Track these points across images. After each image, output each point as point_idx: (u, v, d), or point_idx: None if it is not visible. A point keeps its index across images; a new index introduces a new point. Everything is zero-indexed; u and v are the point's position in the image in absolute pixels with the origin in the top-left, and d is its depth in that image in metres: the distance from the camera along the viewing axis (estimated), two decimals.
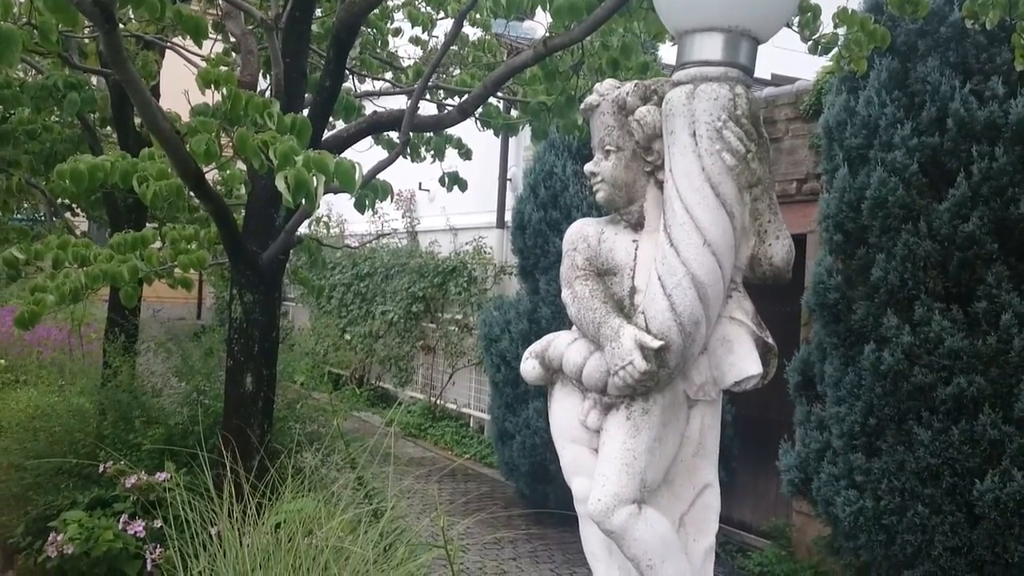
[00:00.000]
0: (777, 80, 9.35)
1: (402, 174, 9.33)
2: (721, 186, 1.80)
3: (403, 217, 12.30)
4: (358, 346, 12.53)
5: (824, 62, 5.74)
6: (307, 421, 4.47)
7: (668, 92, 1.86)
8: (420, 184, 11.52)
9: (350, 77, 6.03)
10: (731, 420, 7.47)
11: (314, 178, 2.77)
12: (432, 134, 5.83)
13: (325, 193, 3.49)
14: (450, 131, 5.94)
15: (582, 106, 2.06)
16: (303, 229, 5.50)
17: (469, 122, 5.62)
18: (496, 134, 5.36)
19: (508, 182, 10.43)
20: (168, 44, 5.21)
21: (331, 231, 13.22)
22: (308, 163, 2.78)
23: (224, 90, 3.20)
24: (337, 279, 13.04)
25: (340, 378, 13.24)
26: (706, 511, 2.02)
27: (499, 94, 5.26)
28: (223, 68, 3.81)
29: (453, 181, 5.65)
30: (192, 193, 3.45)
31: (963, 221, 4.76)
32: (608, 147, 2.00)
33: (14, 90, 5.42)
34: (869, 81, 5.23)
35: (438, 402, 11.19)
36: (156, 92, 5.98)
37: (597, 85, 2.06)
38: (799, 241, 6.43)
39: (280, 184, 2.74)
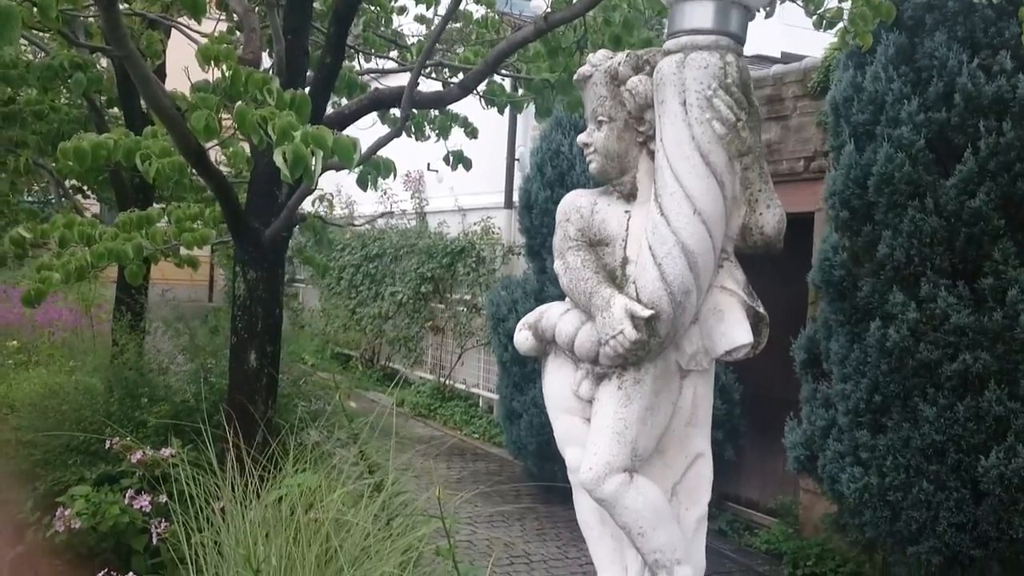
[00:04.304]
0: (787, 58, 9.27)
1: (411, 155, 9.33)
2: (711, 155, 1.80)
3: (412, 198, 12.30)
4: (368, 327, 12.57)
5: (831, 38, 5.69)
6: (312, 398, 4.49)
7: (659, 61, 1.86)
8: (429, 165, 11.50)
9: (356, 56, 6.03)
10: (739, 399, 7.47)
11: (312, 153, 2.78)
12: (437, 113, 5.83)
13: (326, 170, 3.50)
14: (456, 110, 5.94)
15: (575, 77, 2.06)
16: (307, 208, 5.52)
17: (476, 101, 5.63)
18: (500, 112, 5.34)
19: (516, 162, 10.41)
20: (172, 23, 5.21)
21: (340, 212, 13.24)
22: (306, 138, 2.79)
23: (224, 66, 3.20)
24: (347, 260, 13.07)
25: (350, 358, 13.29)
26: (698, 480, 2.03)
27: (503, 71, 5.25)
28: (224, 45, 3.81)
29: (457, 160, 5.64)
30: (194, 170, 3.45)
31: (970, 197, 4.73)
32: (600, 118, 2.00)
33: (20, 70, 5.44)
34: (876, 57, 5.19)
35: (447, 382, 11.23)
36: (162, 72, 5.99)
37: (590, 56, 2.06)
38: (807, 219, 6.42)
39: (278, 159, 2.75)
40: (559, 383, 2.06)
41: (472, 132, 6.00)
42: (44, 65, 5.39)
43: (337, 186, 11.64)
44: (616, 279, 1.94)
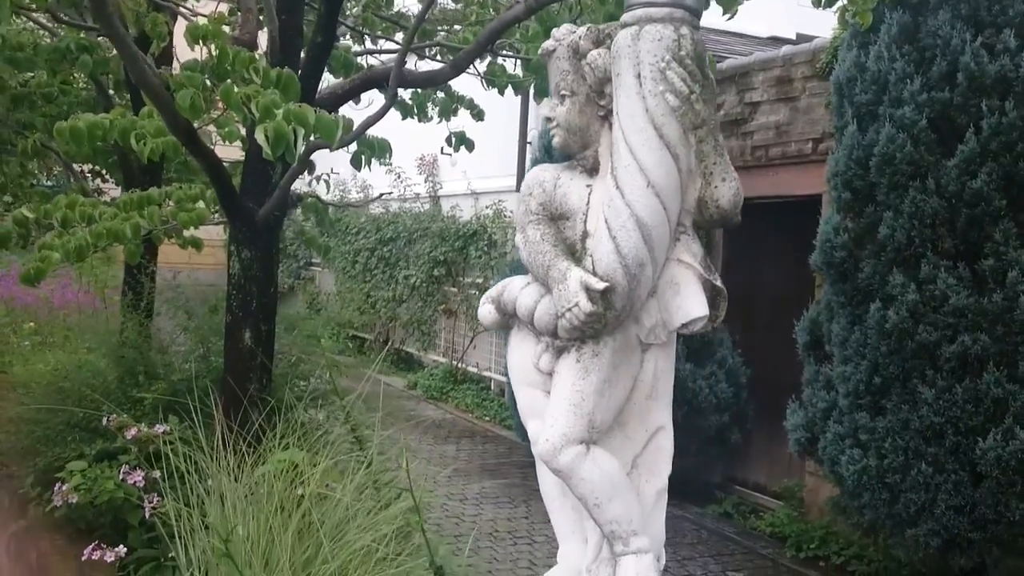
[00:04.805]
0: (802, 40, 9.19)
1: (425, 139, 9.34)
2: (665, 127, 1.80)
3: (426, 182, 12.33)
4: (382, 310, 12.64)
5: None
6: (311, 378, 4.54)
7: (616, 34, 1.86)
8: (442, 148, 11.51)
9: (362, 38, 6.04)
10: (746, 382, 7.47)
11: (294, 131, 2.80)
12: (443, 94, 5.83)
13: (314, 149, 3.53)
14: (463, 92, 5.95)
15: (539, 51, 2.07)
16: (303, 188, 5.55)
17: (486, 84, 5.62)
18: (501, 93, 5.34)
19: (528, 145, 10.39)
20: (174, 6, 5.25)
21: (356, 196, 13.30)
22: (288, 116, 2.81)
23: (212, 46, 3.23)
24: (362, 244, 13.13)
25: (364, 342, 13.37)
26: (659, 453, 2.04)
27: (504, 52, 5.25)
28: (221, 25, 3.83)
29: (460, 141, 5.66)
30: (185, 148, 3.49)
31: (971, 178, 4.69)
32: (563, 92, 2.01)
33: (27, 52, 5.51)
34: (879, 36, 5.14)
35: (459, 365, 11.28)
36: (169, 54, 6.03)
37: (554, 30, 2.06)
38: (814, 201, 6.38)
39: (259, 136, 2.77)
40: (521, 356, 2.08)
41: (479, 114, 6.00)
42: (51, 48, 5.46)
43: (353, 171, 11.68)
44: (576, 253, 1.96)
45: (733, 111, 7.60)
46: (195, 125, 3.55)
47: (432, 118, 5.76)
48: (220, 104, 3.87)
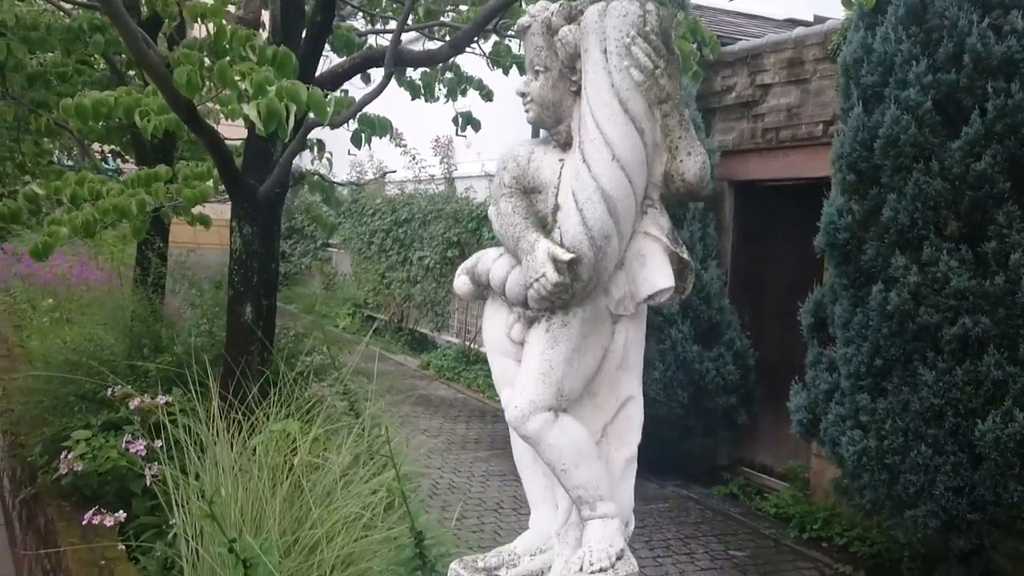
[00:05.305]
0: (819, 22, 9.14)
1: (442, 120, 9.38)
2: (630, 102, 1.83)
3: (441, 163, 12.38)
4: (396, 291, 12.73)
5: None
6: (315, 353, 4.61)
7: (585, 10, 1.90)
8: (456, 130, 11.55)
9: (370, 19, 6.07)
10: (754, 364, 7.48)
11: (286, 107, 2.85)
12: (452, 74, 5.87)
13: (313, 127, 3.58)
14: (472, 73, 5.98)
15: (515, 28, 2.11)
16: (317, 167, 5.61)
17: (488, 64, 5.65)
18: (505, 73, 5.36)
19: None
20: None
21: (373, 176, 13.36)
22: (280, 92, 2.86)
23: (211, 24, 3.28)
24: (377, 225, 13.22)
25: (379, 322, 13.48)
26: (628, 423, 2.08)
27: (510, 32, 5.26)
28: (225, 5, 3.89)
29: (467, 121, 5.69)
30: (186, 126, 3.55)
31: (976, 160, 4.67)
32: (537, 67, 2.04)
33: (41, 32, 5.59)
34: (886, 17, 5.12)
35: (472, 346, 11.35)
36: (182, 34, 6.10)
37: (529, 7, 2.09)
38: (823, 184, 6.37)
39: (252, 113, 2.83)
40: (495, 326, 2.12)
41: (487, 95, 6.03)
42: (65, 28, 5.54)
43: (369, 152, 11.73)
44: (547, 226, 1.99)
45: (744, 93, 7.58)
46: (197, 103, 3.60)
47: (439, 98, 5.78)
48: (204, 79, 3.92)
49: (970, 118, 4.71)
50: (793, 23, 9.82)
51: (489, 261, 2.10)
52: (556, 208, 1.99)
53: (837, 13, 8.57)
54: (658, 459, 7.16)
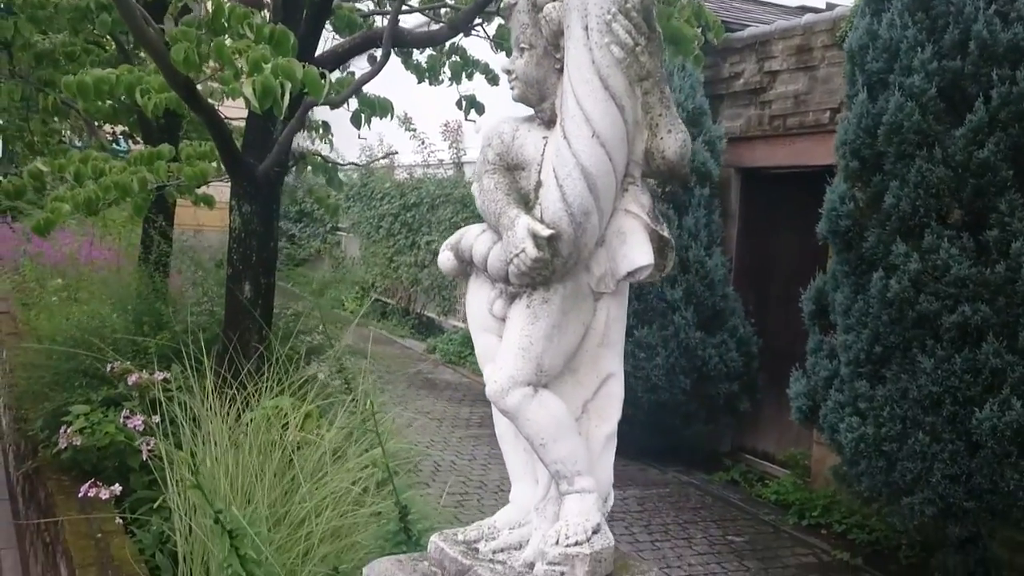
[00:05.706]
0: (831, 9, 9.07)
1: (451, 105, 9.38)
2: (610, 79, 1.84)
3: (450, 148, 12.38)
4: (404, 275, 12.76)
5: None
6: (315, 333, 4.64)
7: None
8: (466, 115, 11.54)
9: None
10: (757, 352, 7.48)
11: (281, 85, 2.87)
12: (457, 57, 5.87)
13: (311, 106, 3.60)
14: (478, 56, 5.98)
15: (502, 5, 2.11)
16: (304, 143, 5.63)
17: (492, 47, 5.64)
18: (508, 56, 5.35)
19: None
20: None
21: (382, 161, 13.38)
22: (276, 70, 2.87)
23: (209, 2, 3.30)
24: (385, 209, 13.24)
25: (387, 306, 13.52)
26: (609, 399, 2.09)
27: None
28: None
29: (471, 104, 5.70)
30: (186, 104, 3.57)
31: (979, 147, 4.65)
32: (522, 45, 2.04)
33: (48, 11, 5.62)
34: (892, 3, 5.09)
35: None
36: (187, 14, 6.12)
37: None
38: (830, 172, 6.34)
39: (247, 90, 2.84)
40: (478, 302, 2.14)
41: (493, 79, 6.03)
42: (72, 7, 5.56)
43: (379, 136, 11.75)
44: (530, 203, 2.00)
45: (752, 80, 7.55)
46: (197, 81, 3.62)
47: (443, 81, 5.79)
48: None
49: (974, 105, 4.69)
50: (804, 10, 9.78)
51: (472, 237, 2.12)
52: (539, 185, 2.00)
53: (849, 0, 8.53)
54: (660, 445, 7.19)
